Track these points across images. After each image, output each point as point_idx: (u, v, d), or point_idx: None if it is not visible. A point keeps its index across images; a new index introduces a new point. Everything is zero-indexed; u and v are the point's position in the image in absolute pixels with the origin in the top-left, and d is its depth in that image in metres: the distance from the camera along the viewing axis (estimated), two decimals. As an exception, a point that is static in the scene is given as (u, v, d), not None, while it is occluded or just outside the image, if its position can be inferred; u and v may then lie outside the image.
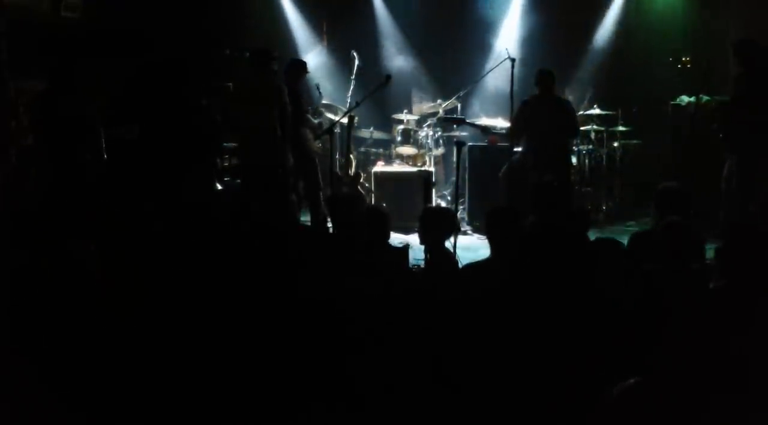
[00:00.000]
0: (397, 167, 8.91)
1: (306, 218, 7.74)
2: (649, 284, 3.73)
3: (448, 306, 3.52)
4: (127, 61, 8.13)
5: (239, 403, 3.10)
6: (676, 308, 3.12)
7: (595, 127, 8.95)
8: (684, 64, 9.69)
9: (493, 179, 7.94)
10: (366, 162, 9.28)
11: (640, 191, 8.82)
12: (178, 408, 3.06)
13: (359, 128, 9.31)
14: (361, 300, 3.52)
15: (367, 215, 4.90)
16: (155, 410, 3.05)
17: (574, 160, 8.52)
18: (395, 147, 9.12)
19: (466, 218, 8.54)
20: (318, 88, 8.98)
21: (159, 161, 7.52)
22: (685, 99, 8.50)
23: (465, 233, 8.14)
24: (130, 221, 4.97)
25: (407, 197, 8.34)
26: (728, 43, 8.02)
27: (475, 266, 4.26)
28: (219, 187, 8.30)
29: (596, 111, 8.92)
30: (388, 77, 7.75)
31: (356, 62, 8.83)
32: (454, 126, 9.43)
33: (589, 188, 8.92)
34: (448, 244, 4.84)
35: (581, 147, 8.89)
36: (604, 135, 9.01)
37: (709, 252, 4.33)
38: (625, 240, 4.46)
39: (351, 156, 8.70)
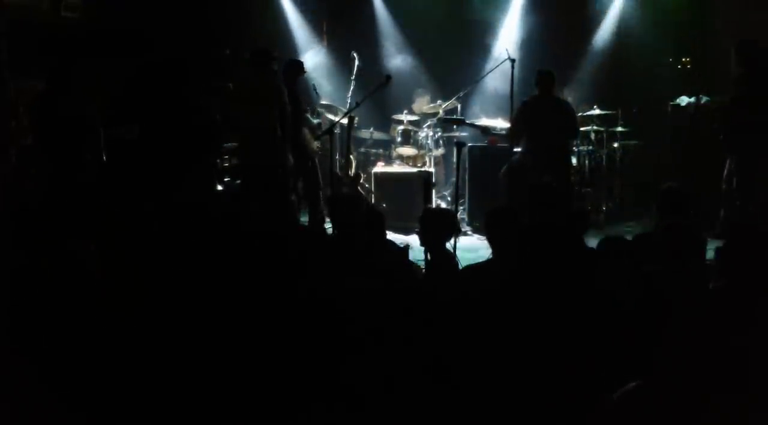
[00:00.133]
0: (397, 168, 8.90)
1: (305, 219, 7.74)
2: (650, 284, 3.73)
3: (448, 307, 3.52)
4: (127, 61, 8.13)
5: (239, 403, 3.10)
6: (677, 309, 3.11)
7: (595, 127, 8.93)
8: (684, 64, 9.69)
9: (493, 180, 7.93)
10: (366, 163, 9.27)
11: (640, 192, 8.83)
12: (179, 408, 3.06)
13: (359, 128, 9.31)
14: (361, 300, 3.52)
15: (367, 216, 4.90)
16: (155, 410, 3.05)
17: (574, 160, 8.51)
18: (395, 148, 9.11)
19: (467, 219, 8.53)
20: (315, 88, 8.97)
21: (159, 161, 7.51)
22: (685, 99, 8.48)
23: (465, 233, 8.14)
24: (130, 221, 4.97)
25: (407, 197, 8.32)
26: (725, 43, 8.02)
27: (475, 268, 4.26)
28: (219, 187, 8.30)
29: (596, 111, 8.92)
30: (388, 77, 7.74)
31: (356, 63, 8.81)
32: (454, 127, 9.42)
33: (589, 189, 8.90)
34: (449, 245, 4.84)
35: (581, 148, 8.88)
36: (604, 136, 8.99)
37: (709, 252, 4.33)
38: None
39: (351, 157, 8.70)
